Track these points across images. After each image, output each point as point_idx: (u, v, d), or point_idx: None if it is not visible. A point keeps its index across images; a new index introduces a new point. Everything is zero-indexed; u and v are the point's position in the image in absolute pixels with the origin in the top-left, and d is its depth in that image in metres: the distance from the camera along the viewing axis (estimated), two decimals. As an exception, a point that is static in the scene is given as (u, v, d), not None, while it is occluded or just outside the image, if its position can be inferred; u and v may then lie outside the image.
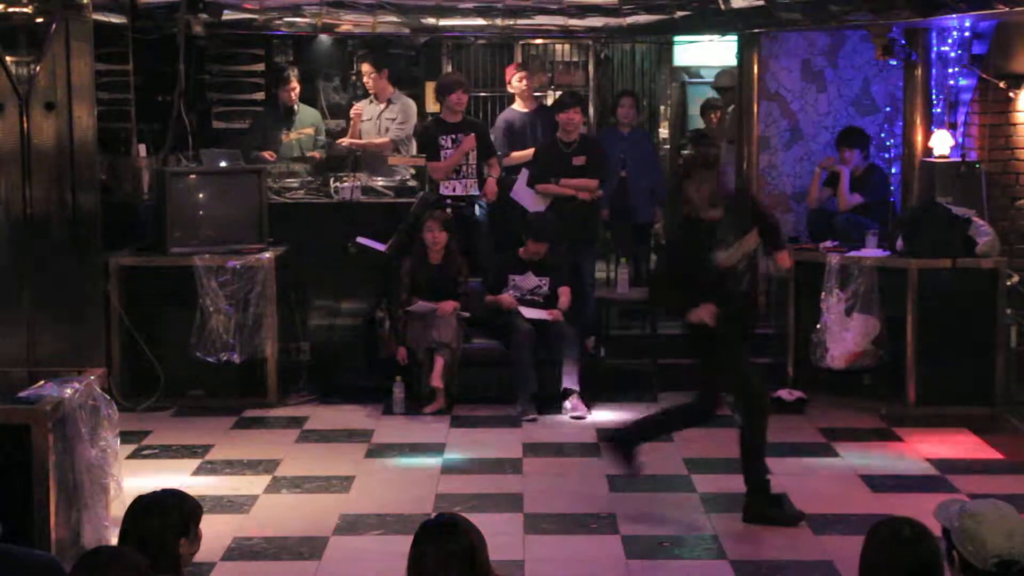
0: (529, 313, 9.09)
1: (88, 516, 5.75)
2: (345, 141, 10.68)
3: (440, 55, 11.91)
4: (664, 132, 14.12)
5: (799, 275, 9.37)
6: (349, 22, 10.11)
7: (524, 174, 9.88)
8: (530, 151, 10.07)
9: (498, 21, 10.19)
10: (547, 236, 9.22)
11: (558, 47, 12.22)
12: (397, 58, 12.00)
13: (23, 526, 5.24)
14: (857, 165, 9.63)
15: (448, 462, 7.90)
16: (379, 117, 10.57)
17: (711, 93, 12.78)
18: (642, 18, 10.12)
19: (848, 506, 7.02)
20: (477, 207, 9.89)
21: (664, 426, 7.32)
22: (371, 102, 10.68)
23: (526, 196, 9.74)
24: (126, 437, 7.23)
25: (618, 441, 7.08)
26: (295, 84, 10.60)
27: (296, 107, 10.68)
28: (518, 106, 10.45)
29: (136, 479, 6.40)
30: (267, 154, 10.37)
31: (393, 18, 10.10)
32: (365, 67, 10.60)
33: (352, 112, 10.74)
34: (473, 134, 9.78)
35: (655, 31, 10.81)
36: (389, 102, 10.58)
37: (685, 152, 6.84)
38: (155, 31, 9.80)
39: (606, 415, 8.90)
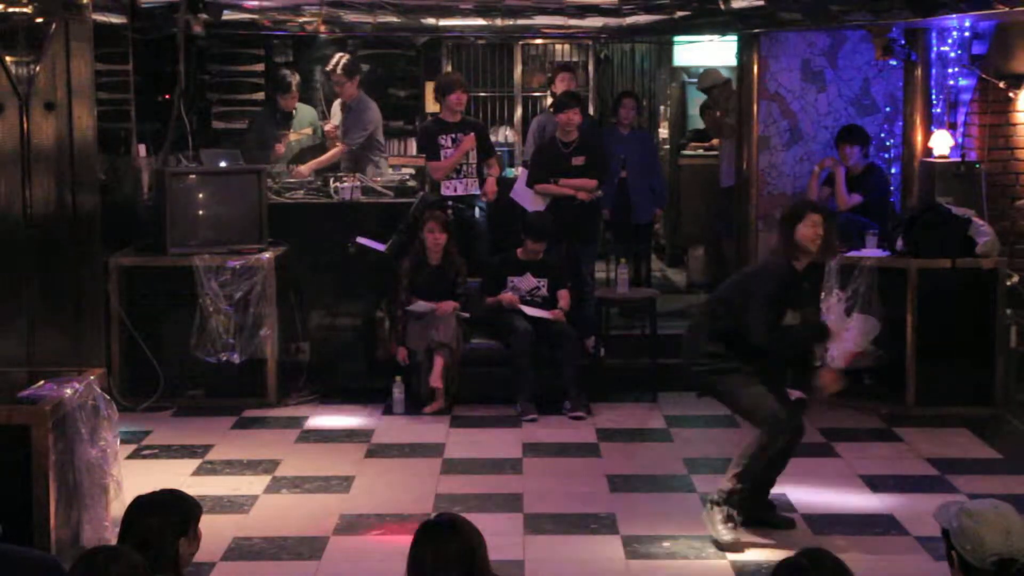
0: (531, 311, 9.09)
1: (88, 516, 5.76)
2: (305, 169, 10.45)
3: (440, 55, 11.92)
4: (664, 132, 14.14)
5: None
6: (349, 22, 10.11)
7: (524, 174, 9.90)
8: None
9: (498, 21, 10.19)
10: (546, 235, 9.22)
11: (558, 47, 12.23)
12: (397, 58, 12.02)
13: (23, 526, 5.24)
14: (856, 163, 9.63)
15: (448, 462, 7.90)
16: (341, 121, 10.55)
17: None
18: (642, 18, 10.11)
19: (848, 506, 7.02)
20: (477, 208, 9.89)
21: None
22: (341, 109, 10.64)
23: (525, 196, 9.76)
24: (126, 437, 7.24)
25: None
26: (296, 92, 10.59)
27: (294, 110, 10.67)
28: None
29: (136, 479, 6.40)
30: (279, 147, 10.34)
31: (393, 18, 10.10)
32: (339, 76, 10.43)
33: (327, 133, 10.65)
34: (473, 134, 9.79)
35: (655, 31, 10.82)
36: (350, 108, 10.52)
37: None
38: (155, 31, 9.80)
39: (606, 415, 8.91)
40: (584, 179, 9.58)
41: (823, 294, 8.99)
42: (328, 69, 10.56)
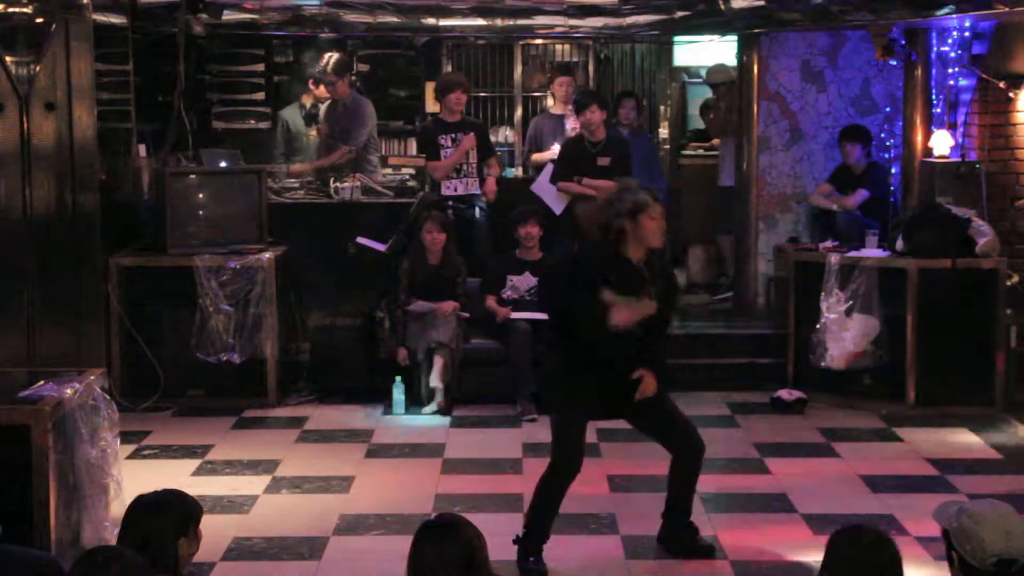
0: (526, 316, 9.08)
1: (88, 516, 5.75)
2: (303, 167, 10.44)
3: (440, 55, 11.92)
4: (664, 132, 14.13)
5: (799, 275, 9.39)
6: (349, 22, 10.11)
7: (548, 169, 9.83)
8: (547, 153, 10.15)
9: (498, 21, 10.19)
10: (529, 214, 9.25)
11: (558, 47, 12.23)
12: (397, 58, 12.02)
13: (23, 526, 5.24)
14: (859, 161, 9.67)
15: (448, 462, 7.90)
16: (335, 122, 10.50)
17: (710, 92, 12.79)
18: (642, 18, 10.11)
19: (848, 506, 7.02)
20: (477, 208, 9.89)
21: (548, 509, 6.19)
22: (329, 108, 10.54)
23: (547, 192, 9.71)
24: (126, 437, 7.23)
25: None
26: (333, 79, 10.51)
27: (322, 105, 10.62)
28: (555, 109, 10.53)
29: (136, 479, 6.40)
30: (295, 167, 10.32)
31: (393, 18, 10.10)
32: (330, 77, 10.38)
33: (320, 133, 10.54)
34: (472, 133, 9.79)
35: (655, 31, 10.81)
36: (344, 106, 10.51)
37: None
38: (155, 31, 9.80)
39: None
40: (608, 180, 9.51)
41: (823, 294, 9.03)
42: (319, 68, 10.54)
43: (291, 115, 10.87)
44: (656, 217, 6.08)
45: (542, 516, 6.13)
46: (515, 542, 6.09)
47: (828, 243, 9.33)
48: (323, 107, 10.73)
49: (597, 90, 11.64)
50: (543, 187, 9.78)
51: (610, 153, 9.54)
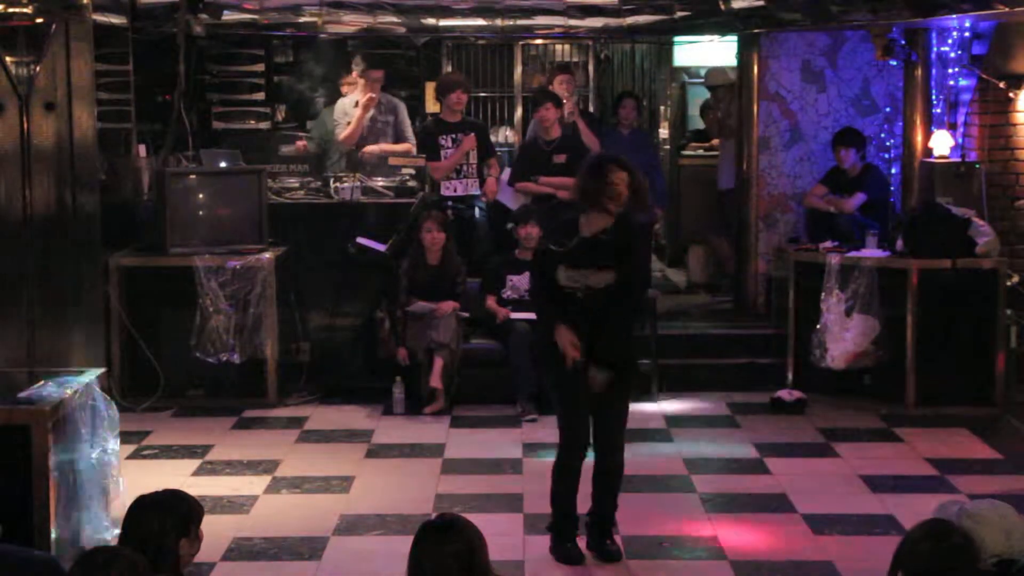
0: (528, 316, 9.10)
1: (88, 516, 5.76)
2: (375, 148, 10.37)
3: (440, 55, 11.92)
4: (664, 132, 14.13)
5: (799, 275, 9.39)
6: (349, 22, 10.10)
7: (506, 173, 9.91)
8: None
9: (498, 21, 10.19)
10: (530, 215, 9.27)
11: (558, 47, 12.23)
12: (397, 58, 12.02)
13: (23, 526, 5.24)
14: (854, 164, 9.66)
15: (448, 462, 7.90)
16: (371, 119, 10.45)
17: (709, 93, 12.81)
18: (642, 18, 10.11)
19: (848, 506, 7.02)
20: (477, 208, 9.90)
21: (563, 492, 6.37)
22: (355, 104, 10.49)
23: (507, 195, 9.77)
24: (126, 437, 7.23)
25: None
26: (377, 75, 10.44)
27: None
28: None
29: (136, 479, 6.40)
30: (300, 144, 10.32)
31: (393, 18, 10.10)
32: (377, 72, 10.40)
33: (359, 109, 10.37)
34: (473, 134, 9.79)
35: (655, 31, 10.81)
36: (379, 103, 10.49)
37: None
38: (155, 31, 9.80)
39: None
40: (565, 177, 9.51)
41: (823, 294, 9.03)
42: (361, 69, 10.46)
43: (350, 105, 10.60)
44: (614, 182, 6.17)
45: (561, 500, 6.28)
46: (548, 529, 6.30)
47: (828, 243, 9.33)
48: (347, 104, 10.53)
49: (598, 90, 11.64)
50: (502, 191, 9.82)
51: (566, 150, 9.58)
